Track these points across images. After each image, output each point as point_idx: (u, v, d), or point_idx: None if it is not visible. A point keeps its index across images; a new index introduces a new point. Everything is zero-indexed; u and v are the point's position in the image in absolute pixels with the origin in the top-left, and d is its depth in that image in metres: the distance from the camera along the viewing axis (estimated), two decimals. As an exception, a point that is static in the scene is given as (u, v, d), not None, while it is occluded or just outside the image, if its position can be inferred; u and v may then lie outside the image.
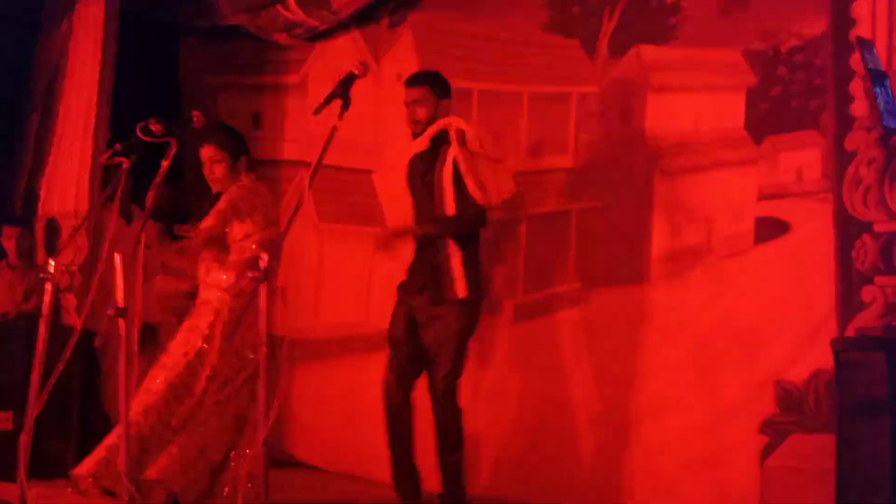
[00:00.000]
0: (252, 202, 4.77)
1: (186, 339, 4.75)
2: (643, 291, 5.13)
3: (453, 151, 4.78)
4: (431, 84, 4.91)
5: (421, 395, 4.88)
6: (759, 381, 4.71)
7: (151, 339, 6.27)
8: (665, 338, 5.05)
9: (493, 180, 4.80)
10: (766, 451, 4.64)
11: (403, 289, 4.94)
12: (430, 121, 4.86)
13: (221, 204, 4.73)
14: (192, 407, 4.67)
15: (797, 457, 4.57)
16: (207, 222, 4.71)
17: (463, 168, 4.74)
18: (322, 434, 6.13)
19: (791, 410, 4.61)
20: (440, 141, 4.84)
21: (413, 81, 4.96)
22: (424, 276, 4.83)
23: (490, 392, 5.53)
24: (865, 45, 4.17)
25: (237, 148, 4.87)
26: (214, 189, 4.90)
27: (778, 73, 4.84)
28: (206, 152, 4.85)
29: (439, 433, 4.81)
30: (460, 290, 4.74)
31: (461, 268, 4.75)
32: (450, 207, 4.78)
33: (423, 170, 4.89)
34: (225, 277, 4.76)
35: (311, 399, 6.23)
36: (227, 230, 4.79)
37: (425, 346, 4.82)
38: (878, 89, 4.11)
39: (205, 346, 4.72)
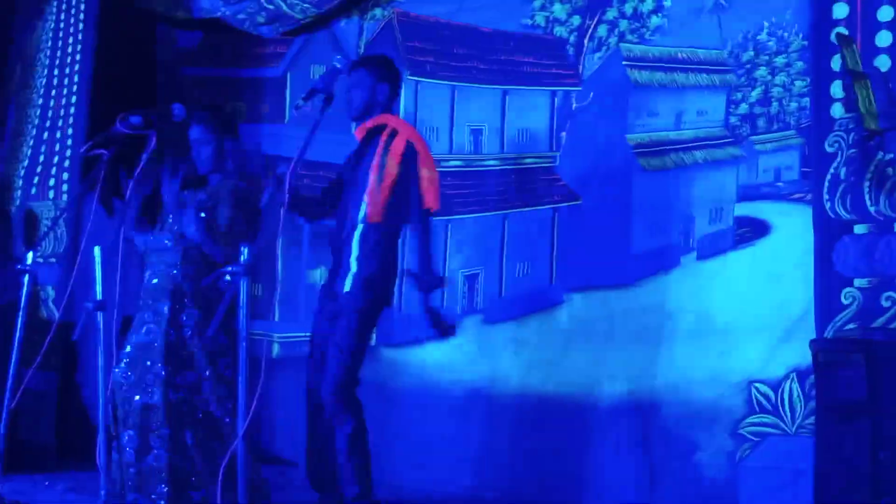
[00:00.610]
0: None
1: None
2: (622, 291, 5.14)
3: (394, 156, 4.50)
4: (368, 65, 4.67)
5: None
6: (735, 381, 4.74)
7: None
8: (642, 337, 5.06)
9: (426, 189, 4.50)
10: (743, 453, 4.67)
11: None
12: (367, 107, 4.60)
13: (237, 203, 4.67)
14: None
15: (773, 458, 4.60)
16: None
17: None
18: (302, 430, 6.11)
19: (766, 412, 4.64)
20: (373, 135, 4.59)
21: (354, 65, 4.69)
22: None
23: (470, 390, 5.53)
24: (845, 42, 4.19)
25: (225, 130, 4.82)
26: (201, 171, 4.83)
27: (759, 73, 4.86)
28: (194, 133, 4.77)
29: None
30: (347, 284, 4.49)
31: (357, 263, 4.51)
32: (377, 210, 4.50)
33: (353, 162, 4.66)
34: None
35: (292, 395, 6.21)
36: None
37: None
38: (858, 91, 4.14)
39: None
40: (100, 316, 4.12)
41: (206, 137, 4.72)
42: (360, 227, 4.51)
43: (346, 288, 4.47)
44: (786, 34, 4.79)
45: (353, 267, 4.49)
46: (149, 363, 4.50)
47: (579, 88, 5.40)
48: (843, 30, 4.33)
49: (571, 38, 5.45)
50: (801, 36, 4.74)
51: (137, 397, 4.48)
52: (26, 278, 4.55)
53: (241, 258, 3.71)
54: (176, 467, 4.46)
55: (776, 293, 4.67)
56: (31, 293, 4.63)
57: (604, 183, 5.27)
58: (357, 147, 4.67)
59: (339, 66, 4.34)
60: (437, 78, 5.87)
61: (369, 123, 4.61)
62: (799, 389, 4.57)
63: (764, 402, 4.65)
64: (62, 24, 6.41)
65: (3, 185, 6.76)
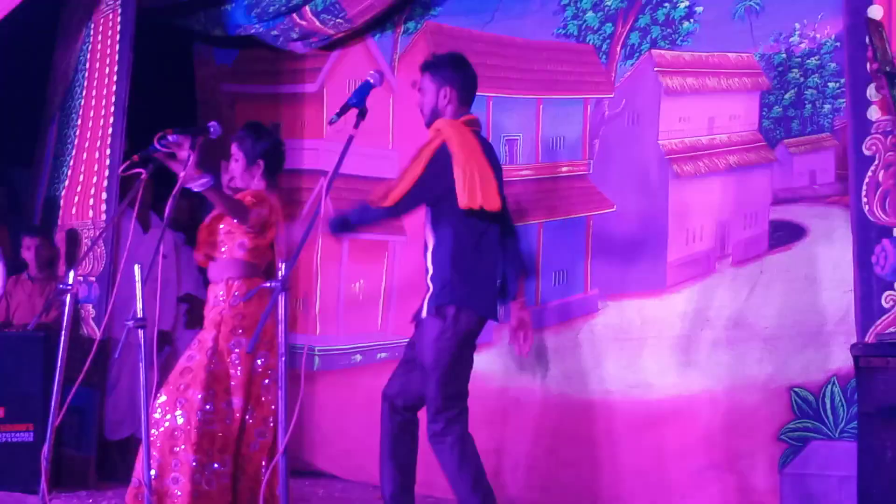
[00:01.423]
0: (276, 211, 4.79)
1: (191, 356, 4.72)
2: (659, 297, 5.12)
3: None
4: (432, 70, 4.49)
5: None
6: (775, 387, 4.70)
7: (168, 345, 6.31)
8: (681, 344, 5.04)
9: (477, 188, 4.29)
10: (785, 459, 4.63)
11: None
12: (433, 114, 4.47)
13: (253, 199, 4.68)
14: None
15: (816, 464, 4.56)
16: (249, 200, 4.64)
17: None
18: (342, 443, 6.14)
19: (808, 417, 4.60)
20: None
21: (421, 69, 4.53)
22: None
23: (508, 399, 5.54)
24: (875, 29, 4.11)
25: (256, 151, 4.85)
26: (232, 185, 4.92)
27: (791, 76, 4.84)
28: (231, 148, 4.88)
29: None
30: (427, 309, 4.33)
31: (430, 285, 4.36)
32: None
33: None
34: (222, 292, 4.74)
35: (332, 408, 6.24)
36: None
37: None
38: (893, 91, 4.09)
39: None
40: (141, 333, 4.16)
41: (236, 154, 4.81)
42: (430, 243, 4.41)
43: (423, 314, 4.36)
44: (818, 35, 4.76)
45: (430, 286, 4.36)
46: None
47: (612, 96, 5.39)
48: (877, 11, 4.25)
49: (604, 46, 5.45)
50: (833, 37, 4.70)
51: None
52: (68, 297, 4.60)
53: (279, 273, 3.75)
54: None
55: (814, 297, 4.63)
56: (72, 312, 4.68)
57: (637, 190, 5.25)
58: None
59: (371, 80, 4.36)
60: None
61: (430, 129, 4.46)
62: (841, 394, 4.53)
63: (805, 407, 4.61)
64: (99, 45, 6.49)
65: (46, 207, 6.86)
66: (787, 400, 4.64)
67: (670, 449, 4.99)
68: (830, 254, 4.58)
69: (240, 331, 4.63)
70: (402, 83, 6.23)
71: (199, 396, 4.49)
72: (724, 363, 4.86)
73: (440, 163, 4.29)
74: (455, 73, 4.47)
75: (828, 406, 4.55)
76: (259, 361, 4.63)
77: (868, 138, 4.34)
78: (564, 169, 5.56)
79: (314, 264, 6.44)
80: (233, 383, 4.58)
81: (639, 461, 5.08)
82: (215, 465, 4.51)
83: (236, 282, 4.66)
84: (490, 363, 5.63)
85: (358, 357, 6.27)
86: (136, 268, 4.21)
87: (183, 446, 4.44)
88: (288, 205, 6.21)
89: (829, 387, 4.55)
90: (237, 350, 4.62)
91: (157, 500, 4.37)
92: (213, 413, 4.53)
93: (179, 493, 4.41)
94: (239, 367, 4.60)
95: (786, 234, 4.78)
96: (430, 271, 4.37)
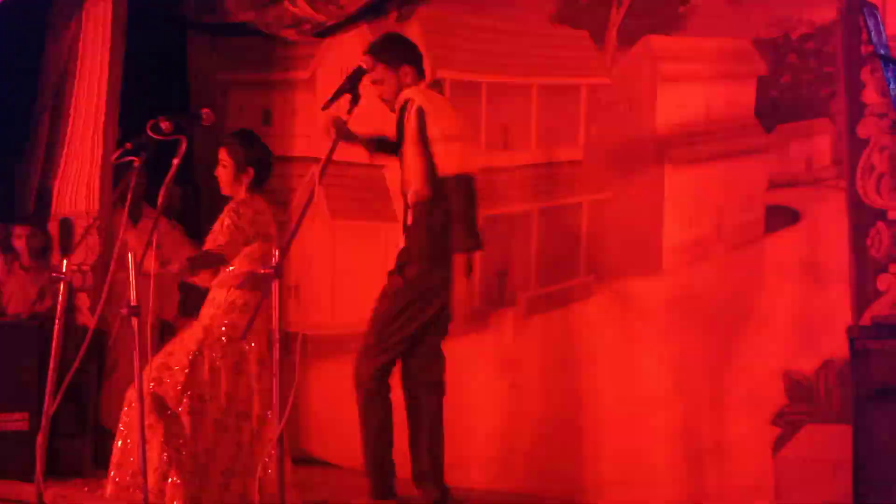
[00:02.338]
0: (256, 224, 4.77)
1: (171, 351, 4.75)
2: (655, 282, 5.12)
3: (411, 128, 4.50)
4: (382, 58, 4.59)
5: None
6: (769, 371, 4.70)
7: (170, 335, 6.30)
8: (676, 329, 5.04)
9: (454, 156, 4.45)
10: (779, 443, 4.63)
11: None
12: (397, 95, 4.60)
13: (229, 229, 4.71)
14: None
15: (810, 447, 4.56)
16: (224, 249, 4.70)
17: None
18: (337, 430, 6.13)
19: (802, 401, 4.60)
20: (402, 113, 4.59)
21: (371, 59, 4.57)
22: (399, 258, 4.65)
23: (503, 386, 5.53)
24: (870, 12, 4.11)
25: (246, 159, 4.87)
26: (221, 191, 4.94)
27: (788, 60, 4.82)
28: (219, 154, 4.89)
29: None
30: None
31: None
32: (420, 186, 4.52)
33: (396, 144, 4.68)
34: (222, 295, 4.76)
35: (326, 396, 6.23)
36: None
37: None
38: (888, 74, 4.09)
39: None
40: (134, 321, 4.15)
41: (223, 161, 4.81)
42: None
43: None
44: (815, 19, 4.74)
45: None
46: None
47: (608, 81, 5.37)
48: None
49: (599, 31, 5.42)
50: (830, 21, 4.68)
51: None
52: (62, 286, 4.59)
53: (273, 260, 3.74)
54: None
55: (809, 280, 4.63)
56: (67, 300, 4.67)
57: (633, 176, 5.24)
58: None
59: (364, 66, 4.36)
60: (466, 75, 5.87)
61: (396, 106, 4.56)
62: (835, 377, 4.53)
63: (799, 390, 4.61)
64: (91, 34, 6.46)
65: (39, 196, 6.83)
66: (781, 384, 4.64)
67: (664, 433, 4.99)
68: (826, 237, 4.58)
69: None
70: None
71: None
72: (718, 347, 4.86)
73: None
74: (405, 50, 4.61)
75: (822, 389, 4.55)
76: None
77: (862, 121, 4.34)
78: (559, 155, 5.54)
79: (307, 251, 6.42)
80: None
81: (633, 446, 5.08)
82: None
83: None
84: (486, 348, 5.64)
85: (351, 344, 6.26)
86: (130, 255, 4.20)
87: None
88: (279, 192, 6.21)
89: (824, 370, 4.55)
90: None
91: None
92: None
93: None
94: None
95: (781, 219, 4.78)
96: None
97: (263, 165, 4.94)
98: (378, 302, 4.62)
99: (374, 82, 4.63)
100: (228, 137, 4.95)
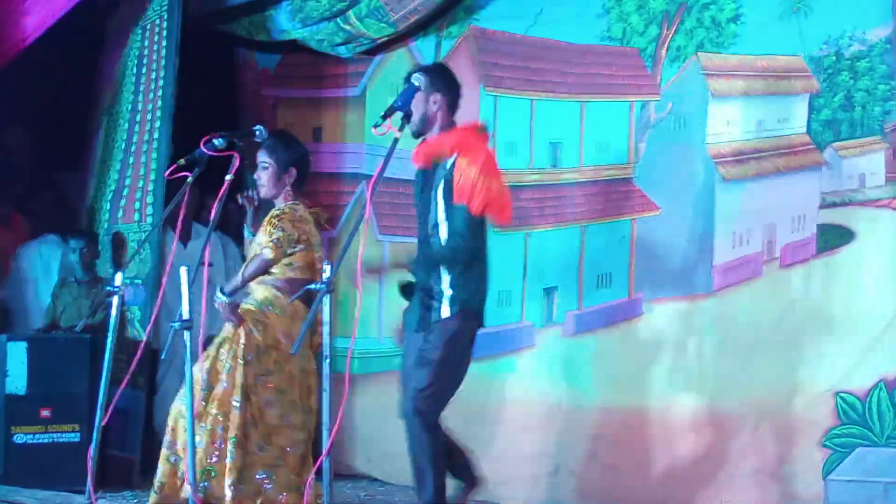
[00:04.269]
0: (299, 232, 4.79)
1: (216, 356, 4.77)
2: (705, 300, 5.08)
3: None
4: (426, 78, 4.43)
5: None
6: (820, 392, 4.66)
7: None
8: (726, 349, 5.00)
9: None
10: (829, 465, 4.58)
11: (405, 315, 4.62)
12: (422, 119, 4.41)
13: (278, 243, 4.71)
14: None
15: (862, 470, 4.50)
16: (273, 264, 4.73)
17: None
18: (382, 446, 6.14)
19: (854, 423, 4.54)
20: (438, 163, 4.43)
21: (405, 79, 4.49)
22: (419, 307, 4.47)
23: (550, 403, 5.51)
24: None
25: (287, 159, 4.87)
26: (260, 193, 4.95)
27: (841, 79, 4.78)
28: (259, 156, 4.88)
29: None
30: (445, 312, 4.37)
31: (450, 290, 4.37)
32: (441, 231, 4.39)
33: (422, 185, 4.54)
34: (257, 301, 4.80)
35: (372, 411, 6.24)
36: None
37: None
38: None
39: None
40: (187, 335, 4.19)
41: (264, 163, 4.82)
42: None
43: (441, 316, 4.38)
44: (868, 38, 4.71)
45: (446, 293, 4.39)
46: None
47: (658, 99, 5.36)
48: None
49: (649, 49, 5.42)
50: (883, 39, 4.65)
51: None
52: (115, 299, 4.64)
53: (324, 275, 3.76)
54: None
55: (862, 301, 4.58)
56: (120, 314, 4.72)
57: (683, 193, 5.22)
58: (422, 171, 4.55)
59: (416, 83, 4.37)
60: (516, 92, 5.88)
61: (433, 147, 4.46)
62: (888, 399, 4.47)
63: (851, 412, 4.55)
64: (146, 50, 6.54)
65: (91, 209, 6.92)
66: (833, 405, 4.59)
67: (713, 454, 4.95)
68: (879, 257, 4.54)
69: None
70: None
71: None
72: (769, 367, 4.82)
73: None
74: (441, 78, 4.49)
75: (874, 411, 4.50)
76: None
77: (918, 140, 4.30)
78: (609, 172, 5.53)
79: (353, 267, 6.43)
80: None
81: (681, 466, 5.05)
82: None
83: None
84: (532, 368, 5.63)
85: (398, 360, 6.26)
86: (183, 270, 4.24)
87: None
88: (327, 209, 6.23)
89: (876, 392, 4.50)
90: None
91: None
92: None
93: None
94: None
95: (834, 238, 4.73)
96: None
97: (304, 165, 4.94)
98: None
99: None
100: (267, 139, 4.92)
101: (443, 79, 4.50)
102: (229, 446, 4.57)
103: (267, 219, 4.82)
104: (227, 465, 4.55)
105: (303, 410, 4.77)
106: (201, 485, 4.46)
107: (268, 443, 4.67)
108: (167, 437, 4.69)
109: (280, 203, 4.87)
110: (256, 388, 4.67)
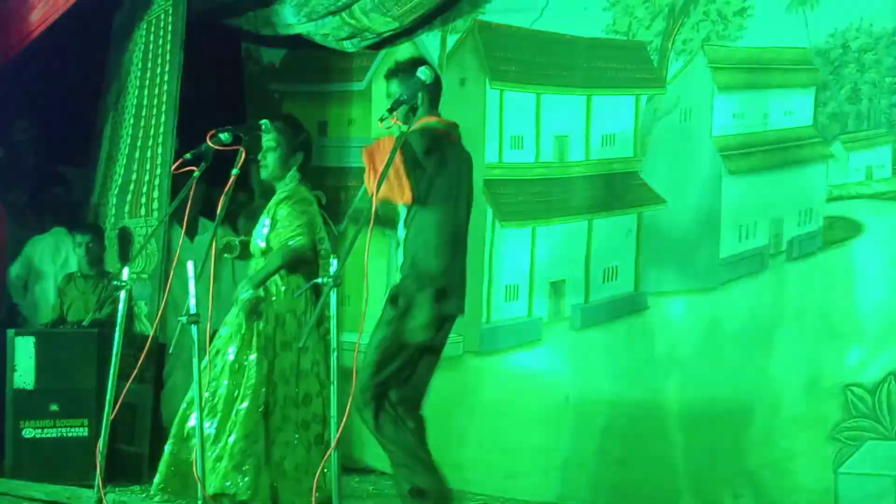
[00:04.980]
0: (313, 214, 4.82)
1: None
2: (711, 295, 5.08)
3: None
4: (399, 77, 4.44)
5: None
6: (830, 385, 4.64)
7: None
8: (733, 342, 4.99)
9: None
10: (839, 458, 4.58)
11: None
12: (407, 115, 4.31)
13: (306, 227, 4.74)
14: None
15: (872, 464, 4.50)
16: (302, 240, 4.73)
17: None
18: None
19: (863, 416, 4.54)
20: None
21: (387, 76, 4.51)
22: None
23: (558, 397, 5.52)
24: None
25: (295, 142, 4.90)
26: (262, 175, 4.95)
27: (847, 71, 4.77)
28: (265, 138, 4.89)
29: None
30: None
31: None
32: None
33: None
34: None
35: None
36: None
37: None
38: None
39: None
40: (194, 329, 4.20)
41: (272, 145, 4.83)
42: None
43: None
44: (875, 29, 4.69)
45: None
46: None
47: (664, 92, 5.35)
48: None
49: (655, 42, 5.41)
50: (890, 31, 4.63)
51: None
52: (123, 294, 4.65)
53: (331, 269, 3.76)
54: None
55: (870, 294, 4.57)
56: (127, 309, 4.73)
57: (690, 186, 5.21)
58: None
59: (422, 77, 4.36)
60: (521, 86, 5.88)
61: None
62: (896, 393, 4.47)
63: (860, 405, 4.55)
64: (151, 45, 6.55)
65: (98, 204, 6.93)
66: (843, 399, 4.58)
67: (722, 448, 4.94)
68: (887, 250, 4.52)
69: None
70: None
71: None
72: (777, 361, 4.81)
73: None
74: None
75: (884, 405, 4.49)
76: None
77: (924, 132, 4.30)
78: (615, 166, 5.52)
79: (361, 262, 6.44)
80: None
81: (690, 460, 5.04)
82: None
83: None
84: (539, 362, 5.63)
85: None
86: (189, 264, 4.25)
87: None
88: (332, 204, 6.23)
89: (886, 385, 4.49)
90: None
91: None
92: None
93: None
94: None
95: (841, 231, 4.72)
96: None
97: (309, 150, 4.98)
98: None
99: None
100: (276, 122, 4.93)
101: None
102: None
103: (279, 204, 4.83)
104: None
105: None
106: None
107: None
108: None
109: (285, 186, 4.87)
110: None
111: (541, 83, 5.78)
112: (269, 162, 4.87)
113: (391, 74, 4.50)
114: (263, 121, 4.75)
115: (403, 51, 6.42)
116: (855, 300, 4.62)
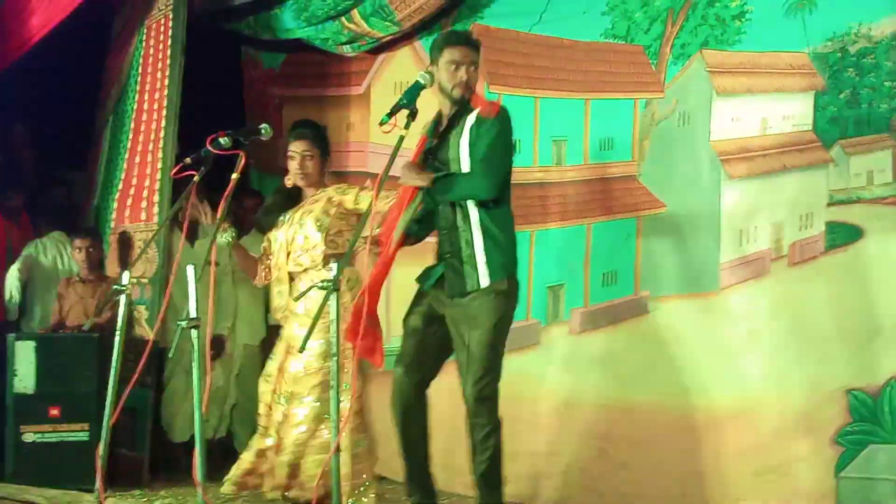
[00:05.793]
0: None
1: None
2: (711, 299, 5.08)
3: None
4: (477, 48, 4.51)
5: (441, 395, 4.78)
6: (831, 390, 4.64)
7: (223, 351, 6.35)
8: (734, 347, 4.99)
9: None
10: (841, 462, 4.58)
11: (424, 277, 4.63)
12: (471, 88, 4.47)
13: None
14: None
15: (874, 468, 4.50)
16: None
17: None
18: (392, 444, 6.14)
19: (865, 420, 4.54)
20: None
21: (463, 40, 4.51)
22: (444, 264, 4.47)
23: (558, 401, 5.52)
24: None
25: (327, 147, 5.03)
26: (300, 183, 4.96)
27: (847, 76, 4.78)
28: (300, 146, 4.93)
29: (472, 448, 4.44)
30: (483, 278, 4.34)
31: (483, 253, 4.34)
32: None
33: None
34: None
35: (382, 409, 6.24)
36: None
37: (446, 346, 4.51)
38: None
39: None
40: (194, 333, 4.21)
41: (311, 151, 4.85)
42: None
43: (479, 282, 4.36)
44: (874, 33, 4.70)
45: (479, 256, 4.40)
46: None
47: (662, 96, 5.36)
48: None
49: (653, 46, 5.41)
50: (889, 35, 4.64)
51: None
52: (123, 298, 4.65)
53: (332, 274, 3.77)
54: None
55: (871, 298, 4.57)
56: (127, 313, 4.74)
57: (689, 191, 5.21)
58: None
59: (422, 81, 4.36)
60: (520, 90, 5.89)
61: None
62: (899, 396, 4.47)
63: (862, 409, 4.55)
64: (151, 49, 6.56)
65: (98, 209, 6.94)
66: (845, 403, 4.59)
67: (724, 452, 4.95)
68: (888, 255, 4.52)
69: None
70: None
71: None
72: (779, 365, 4.81)
73: None
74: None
75: (886, 409, 4.49)
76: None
77: (925, 137, 4.30)
78: (613, 170, 5.53)
79: (362, 267, 6.45)
80: None
81: (691, 464, 5.04)
82: None
83: None
84: (538, 366, 5.63)
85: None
86: (189, 268, 4.26)
87: None
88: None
89: (888, 390, 4.49)
90: None
91: None
92: None
93: None
94: None
95: (842, 235, 4.72)
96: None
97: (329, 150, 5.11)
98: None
99: (461, 62, 4.46)
100: (306, 129, 4.99)
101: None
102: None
103: (342, 191, 4.91)
104: None
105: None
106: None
107: None
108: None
109: (322, 191, 4.95)
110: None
111: (539, 87, 5.79)
112: (308, 170, 4.92)
113: (474, 44, 4.51)
114: (263, 125, 4.76)
115: (403, 55, 6.44)
116: (856, 304, 4.62)
